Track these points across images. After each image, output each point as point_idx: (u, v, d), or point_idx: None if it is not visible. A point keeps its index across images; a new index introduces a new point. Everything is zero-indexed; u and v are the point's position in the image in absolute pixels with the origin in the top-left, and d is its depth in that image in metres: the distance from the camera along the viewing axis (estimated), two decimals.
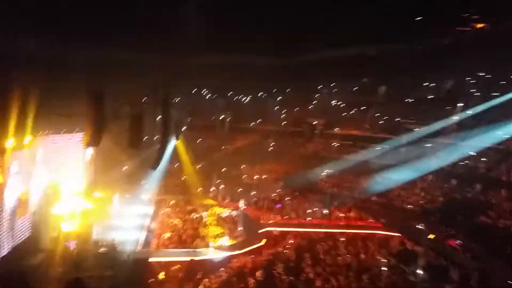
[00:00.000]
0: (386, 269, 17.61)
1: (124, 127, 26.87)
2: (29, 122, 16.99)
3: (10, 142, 15.32)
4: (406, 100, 35.03)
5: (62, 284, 12.87)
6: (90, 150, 23.02)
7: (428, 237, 20.42)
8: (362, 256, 19.30)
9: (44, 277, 14.03)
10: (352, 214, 24.39)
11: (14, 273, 13.20)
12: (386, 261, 18.11)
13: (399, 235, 21.81)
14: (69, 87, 21.47)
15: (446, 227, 22.14)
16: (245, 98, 38.86)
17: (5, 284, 12.46)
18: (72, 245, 16.82)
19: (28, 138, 17.31)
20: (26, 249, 15.77)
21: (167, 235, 19.75)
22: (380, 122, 34.93)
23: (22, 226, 16.42)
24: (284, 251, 19.09)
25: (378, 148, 31.70)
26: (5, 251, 14.64)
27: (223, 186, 27.69)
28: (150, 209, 23.38)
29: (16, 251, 15.13)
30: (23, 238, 16.27)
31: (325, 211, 24.29)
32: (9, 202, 15.38)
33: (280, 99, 38.45)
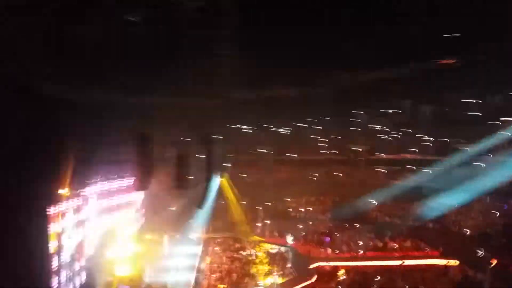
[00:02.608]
0: None
1: (171, 169, 27.69)
2: (82, 170, 17.87)
3: (65, 190, 16.12)
4: (452, 119, 33.62)
5: None
6: (140, 194, 23.86)
7: (490, 263, 19.12)
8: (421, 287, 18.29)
9: None
10: (407, 244, 23.28)
11: None
12: None
13: (459, 263, 20.52)
14: (117, 133, 22.51)
15: (509, 251, 20.64)
16: (286, 129, 38.92)
17: None
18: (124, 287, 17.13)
19: (81, 185, 18.20)
20: None
21: (217, 275, 19.69)
22: (427, 144, 33.62)
23: (79, 271, 16.95)
24: (338, 287, 18.43)
25: (428, 171, 30.40)
26: None
27: (269, 221, 27.47)
28: (199, 249, 23.47)
29: None
30: (80, 283, 16.69)
31: (378, 243, 23.35)
32: (68, 248, 15.99)
33: (321, 128, 38.15)
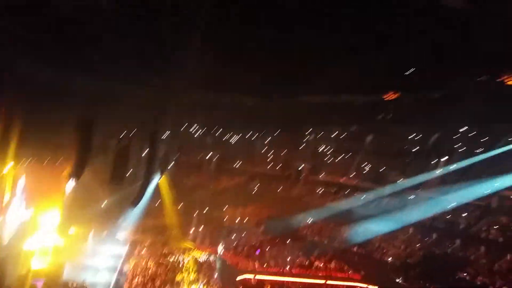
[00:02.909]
0: None
1: (108, 161, 26.64)
2: (13, 148, 16.79)
3: None
4: (392, 150, 35.33)
5: None
6: (71, 183, 22.70)
7: None
8: None
9: None
10: (332, 264, 24.01)
11: None
12: None
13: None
14: (57, 116, 21.33)
15: (425, 282, 21.96)
16: (233, 138, 38.90)
17: None
18: (40, 284, 16.16)
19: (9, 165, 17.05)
20: None
21: (139, 279, 19.12)
22: (365, 171, 35.09)
23: None
24: None
25: (361, 197, 31.72)
26: None
27: (203, 228, 27.26)
28: (125, 250, 22.70)
29: None
30: None
31: (305, 260, 23.91)
32: None
33: (268, 141, 38.56)
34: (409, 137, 34.84)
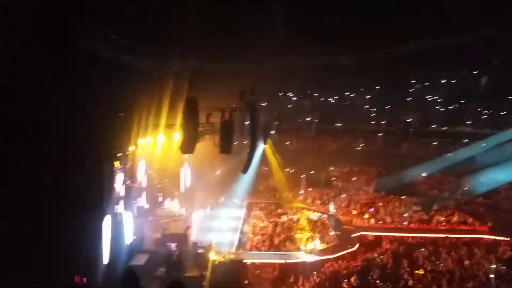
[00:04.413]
0: (494, 276, 16.13)
1: (216, 134, 28.14)
2: (135, 131, 18.55)
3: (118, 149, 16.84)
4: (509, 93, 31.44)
5: (165, 284, 13.71)
6: (186, 157, 24.53)
7: None
8: (467, 262, 17.85)
9: (149, 277, 15.14)
10: (454, 217, 22.61)
11: (123, 273, 14.35)
12: (494, 267, 16.57)
13: (509, 239, 19.76)
14: (166, 97, 23.01)
15: None
16: (332, 98, 38.11)
17: (116, 280, 13.62)
18: (173, 246, 17.95)
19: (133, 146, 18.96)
20: (132, 250, 17.04)
21: (259, 237, 20.22)
22: (482, 117, 31.89)
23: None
24: (380, 256, 18.38)
25: (482, 145, 29.01)
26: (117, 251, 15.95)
27: (312, 189, 27.57)
28: (243, 212, 24.10)
29: (125, 252, 16.34)
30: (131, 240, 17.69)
31: (424, 215, 22.87)
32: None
33: (369, 97, 37.03)
34: None
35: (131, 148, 18.62)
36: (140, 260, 16.50)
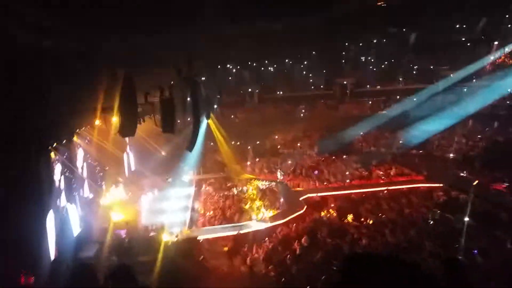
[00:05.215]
0: (432, 221, 17.49)
1: (157, 113, 27.45)
2: (68, 119, 17.57)
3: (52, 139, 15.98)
4: (438, 46, 33.22)
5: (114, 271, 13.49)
6: (128, 140, 23.84)
7: (472, 184, 19.99)
8: (407, 211, 19.16)
9: (100, 267, 14.81)
10: (392, 171, 24.03)
11: (71, 267, 13.95)
12: (432, 213, 17.97)
13: (443, 185, 21.40)
14: (100, 79, 21.93)
15: (491, 171, 21.50)
16: (270, 67, 38.25)
17: (65, 274, 13.23)
18: (123, 233, 17.64)
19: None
20: (82, 240, 16.56)
21: (211, 213, 20.36)
22: (413, 73, 33.61)
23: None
24: (328, 215, 19.27)
25: (413, 99, 30.72)
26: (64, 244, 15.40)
27: (259, 158, 27.95)
28: (192, 190, 24.04)
29: (72, 245, 15.81)
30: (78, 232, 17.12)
31: (364, 171, 24.08)
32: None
33: (306, 63, 37.58)
34: (455, 28, 32.54)
35: (66, 137, 17.75)
36: (90, 251, 16.15)
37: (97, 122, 22.33)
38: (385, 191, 21.59)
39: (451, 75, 30.37)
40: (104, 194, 21.32)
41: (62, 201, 16.16)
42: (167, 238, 16.85)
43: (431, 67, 33.02)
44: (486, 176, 20.86)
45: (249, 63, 37.27)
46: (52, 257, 13.86)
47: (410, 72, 34.30)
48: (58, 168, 16.48)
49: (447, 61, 31.86)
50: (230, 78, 37.59)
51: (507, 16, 29.19)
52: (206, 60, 30.95)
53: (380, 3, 28.81)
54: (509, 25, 28.96)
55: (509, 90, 27.05)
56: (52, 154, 16.01)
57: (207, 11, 23.70)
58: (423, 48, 32.94)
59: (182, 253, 15.99)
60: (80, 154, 19.72)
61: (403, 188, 21.93)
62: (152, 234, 17.41)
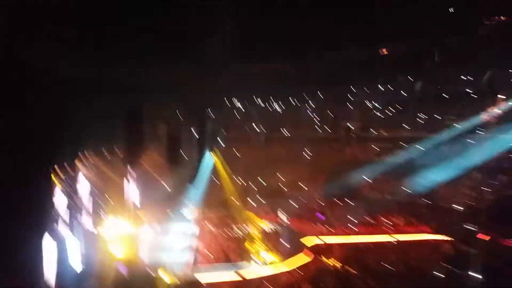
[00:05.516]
0: (440, 274, 17.02)
1: (162, 146, 27.44)
2: (73, 147, 17.45)
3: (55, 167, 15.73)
4: (444, 96, 33.66)
5: None
6: (131, 172, 23.61)
7: (482, 238, 19.62)
8: (414, 263, 18.66)
9: None
10: (399, 220, 23.63)
11: None
12: (439, 267, 17.49)
13: (452, 239, 20.95)
14: (106, 110, 22.01)
15: (500, 227, 21.11)
16: (278, 107, 38.52)
17: None
18: (122, 268, 17.07)
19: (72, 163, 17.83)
20: (82, 275, 15.98)
21: (213, 253, 19.79)
22: (418, 121, 33.77)
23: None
24: (333, 264, 18.73)
25: (420, 148, 30.66)
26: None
27: (262, 198, 27.58)
28: (194, 227, 23.44)
29: (72, 277, 15.29)
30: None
31: (370, 219, 23.69)
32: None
33: (313, 105, 37.84)
34: (461, 79, 33.10)
35: (71, 161, 17.58)
36: (89, 285, 15.58)
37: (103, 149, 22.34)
38: (393, 242, 21.09)
39: (457, 125, 30.46)
40: (104, 225, 20.83)
41: (64, 232, 15.73)
42: (167, 278, 16.25)
43: (437, 116, 33.20)
44: (495, 231, 20.45)
45: (257, 101, 37.59)
46: None
47: (416, 120, 34.46)
48: (60, 196, 16.19)
49: (454, 111, 32.09)
50: (238, 115, 37.74)
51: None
52: (214, 98, 31.30)
53: (387, 52, 29.59)
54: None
55: None
56: (55, 180, 15.80)
57: (219, 51, 24.21)
58: (430, 97, 33.41)
59: None
60: (82, 182, 19.44)
61: (411, 240, 21.43)
62: (151, 272, 16.80)
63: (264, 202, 27.25)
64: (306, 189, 29.58)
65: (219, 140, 33.55)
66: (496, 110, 29.72)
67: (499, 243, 19.58)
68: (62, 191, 16.52)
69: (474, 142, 28.95)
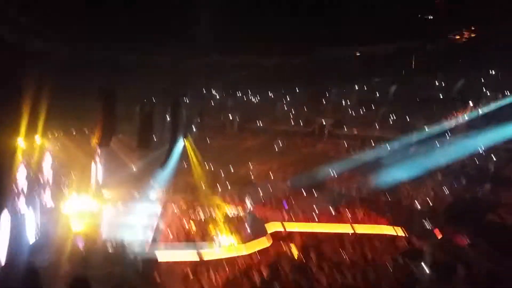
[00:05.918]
0: (393, 267, 17.65)
1: (134, 128, 27.33)
2: (41, 122, 17.31)
3: (21, 141, 15.65)
4: (416, 100, 34.68)
5: (70, 281, 13.02)
6: (100, 151, 23.50)
7: (436, 235, 20.41)
8: (370, 255, 19.28)
9: (54, 275, 14.22)
10: (359, 213, 24.29)
11: (24, 271, 13.38)
12: (393, 259, 18.14)
13: (407, 234, 21.72)
14: (80, 88, 21.82)
15: (455, 227, 22.01)
16: (254, 98, 38.78)
17: (16, 282, 12.65)
18: (81, 243, 17.06)
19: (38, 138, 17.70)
20: (37, 248, 15.93)
21: (174, 234, 19.95)
22: (389, 122, 34.70)
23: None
24: (291, 250, 19.18)
25: (387, 147, 31.51)
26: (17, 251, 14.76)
27: (231, 185, 27.82)
28: (158, 208, 23.55)
29: (26, 250, 15.21)
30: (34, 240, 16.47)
31: (333, 211, 24.28)
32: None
33: (289, 99, 38.29)
34: (434, 85, 34.17)
35: (35, 139, 17.41)
36: (43, 259, 15.46)
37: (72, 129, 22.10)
38: (352, 234, 21.70)
39: (426, 128, 31.42)
40: (66, 202, 20.69)
41: (21, 205, 15.62)
42: (125, 254, 16.34)
43: (408, 118, 34.13)
44: (450, 230, 21.32)
45: (234, 91, 37.76)
46: (3, 262, 13.29)
47: (387, 120, 35.33)
48: (22, 170, 16.06)
49: (424, 114, 33.08)
50: (213, 103, 37.83)
51: (482, 79, 31.00)
52: (192, 83, 31.29)
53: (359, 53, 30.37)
54: (483, 89, 30.63)
55: (479, 148, 28.06)
56: (19, 155, 15.68)
57: (200, 39, 24.24)
58: (403, 99, 34.35)
59: (139, 273, 15.57)
60: (47, 159, 19.26)
61: (368, 232, 22.09)
62: (110, 248, 16.84)
63: (232, 189, 27.40)
64: (275, 179, 30.00)
65: (193, 126, 33.59)
66: (463, 116, 30.83)
67: (452, 241, 20.44)
68: (25, 165, 16.41)
69: (440, 145, 29.97)
